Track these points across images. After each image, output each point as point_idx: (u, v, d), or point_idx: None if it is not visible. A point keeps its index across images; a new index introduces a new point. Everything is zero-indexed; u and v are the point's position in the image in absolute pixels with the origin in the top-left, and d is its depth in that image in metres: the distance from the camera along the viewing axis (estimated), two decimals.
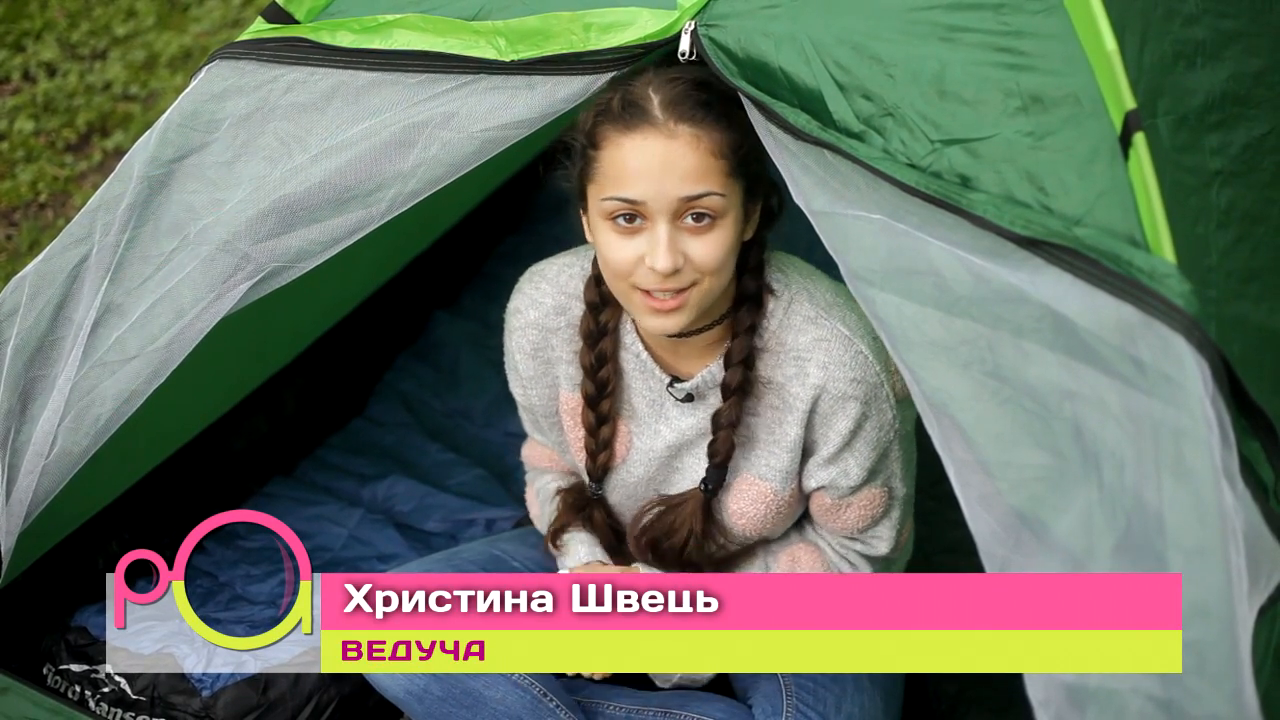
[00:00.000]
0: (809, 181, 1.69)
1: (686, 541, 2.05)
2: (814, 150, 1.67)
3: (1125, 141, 1.56)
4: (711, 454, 2.01)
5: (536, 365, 2.08)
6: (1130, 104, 1.56)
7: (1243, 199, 1.70)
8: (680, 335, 1.94)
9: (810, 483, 2.02)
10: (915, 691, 2.29)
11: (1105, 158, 1.56)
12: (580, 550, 2.14)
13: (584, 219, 1.91)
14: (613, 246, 1.83)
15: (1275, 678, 1.58)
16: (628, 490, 2.11)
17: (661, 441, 2.05)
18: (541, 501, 2.24)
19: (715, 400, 2.00)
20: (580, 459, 2.11)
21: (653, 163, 1.77)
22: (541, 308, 2.05)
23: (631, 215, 1.81)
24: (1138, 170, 1.54)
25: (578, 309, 2.04)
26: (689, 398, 2.00)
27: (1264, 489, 1.55)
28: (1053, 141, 1.58)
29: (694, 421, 2.03)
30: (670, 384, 2.01)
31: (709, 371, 1.98)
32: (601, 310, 2.01)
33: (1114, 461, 1.51)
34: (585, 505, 2.14)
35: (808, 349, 1.93)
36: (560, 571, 2.15)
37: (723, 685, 2.20)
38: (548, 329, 2.06)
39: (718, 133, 1.78)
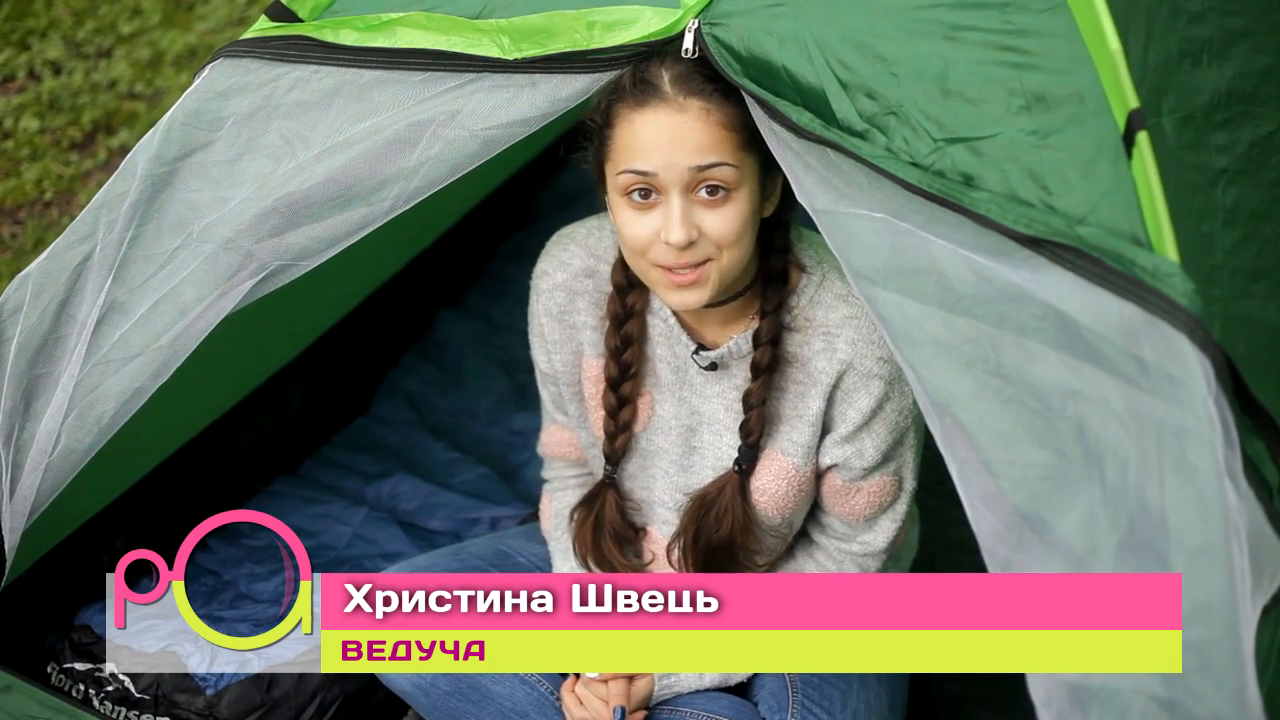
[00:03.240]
0: (811, 180, 1.69)
1: (731, 531, 2.05)
2: (816, 148, 1.67)
3: (1128, 140, 1.55)
4: (745, 434, 2.02)
5: (562, 330, 2.08)
6: (1133, 103, 1.55)
7: (1249, 197, 1.70)
8: (709, 304, 1.95)
9: (825, 459, 2.02)
10: (919, 690, 2.29)
11: (1109, 157, 1.56)
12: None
13: (606, 201, 1.91)
14: (629, 223, 1.84)
15: (1279, 677, 1.57)
16: (644, 463, 2.10)
17: (685, 409, 2.05)
18: (556, 521, 2.24)
19: (739, 371, 2.00)
20: (599, 434, 2.11)
21: (664, 135, 1.79)
22: (569, 269, 2.06)
23: (646, 190, 1.82)
24: (1141, 169, 1.54)
25: (605, 271, 2.05)
26: (713, 366, 2.01)
27: (1268, 488, 1.55)
28: (1056, 140, 1.58)
29: (717, 391, 2.03)
30: (695, 351, 2.01)
31: (734, 343, 1.98)
32: (629, 293, 2.02)
33: (1117, 460, 1.51)
34: (599, 492, 2.13)
35: (838, 325, 1.94)
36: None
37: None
38: (574, 291, 2.06)
39: (729, 106, 1.78)
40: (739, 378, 2.01)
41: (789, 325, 1.98)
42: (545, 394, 2.19)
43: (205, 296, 1.96)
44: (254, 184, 1.92)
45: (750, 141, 1.80)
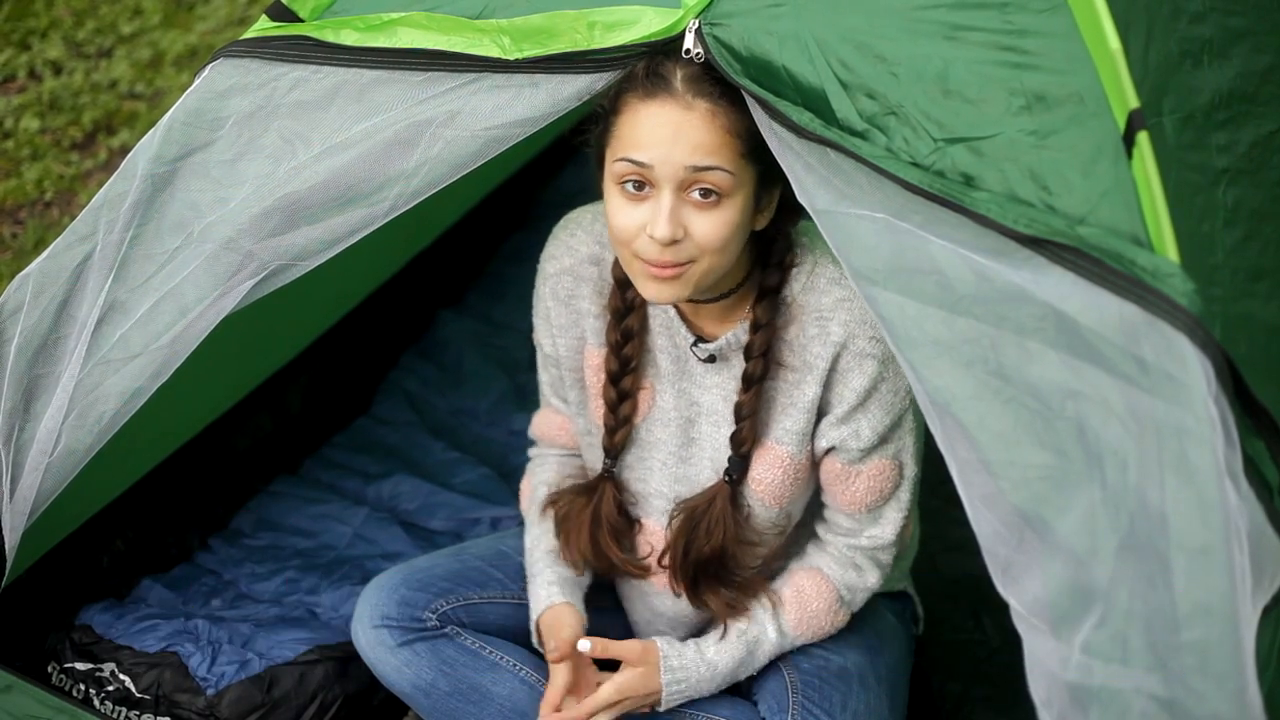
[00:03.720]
0: (812, 180, 1.69)
1: (723, 542, 2.05)
2: (817, 149, 1.66)
3: (1129, 140, 1.55)
4: (736, 444, 2.03)
5: (568, 315, 2.09)
6: (1134, 103, 1.55)
7: (1250, 197, 1.69)
8: (697, 301, 1.96)
9: (821, 443, 2.02)
10: (920, 690, 2.29)
11: (1109, 156, 1.56)
12: (549, 591, 2.12)
13: (602, 185, 1.91)
14: (619, 211, 1.84)
15: (1279, 677, 1.57)
16: (642, 454, 2.10)
17: (684, 400, 2.06)
18: (533, 498, 2.23)
19: (738, 363, 2.01)
20: (598, 424, 2.11)
21: (666, 130, 1.79)
22: (576, 255, 2.07)
23: (640, 182, 1.82)
24: (1141, 169, 1.54)
25: (609, 259, 2.06)
26: (711, 358, 2.02)
27: (1268, 488, 1.55)
28: (1056, 140, 1.58)
29: (716, 382, 2.04)
30: (694, 344, 2.02)
31: (733, 335, 1.99)
32: (629, 286, 2.01)
33: (1117, 460, 1.51)
34: (596, 485, 2.14)
35: (830, 309, 1.95)
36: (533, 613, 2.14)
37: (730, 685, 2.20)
38: (579, 277, 2.07)
39: (735, 113, 1.78)
40: (738, 369, 2.02)
41: (784, 318, 1.98)
42: (545, 376, 2.20)
43: (205, 296, 1.96)
44: (254, 184, 1.92)
45: (752, 152, 1.80)
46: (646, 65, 1.80)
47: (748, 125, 1.78)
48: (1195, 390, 1.46)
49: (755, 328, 1.97)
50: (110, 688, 2.27)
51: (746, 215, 1.85)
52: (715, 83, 1.78)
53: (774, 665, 2.12)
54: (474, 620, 2.16)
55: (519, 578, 2.23)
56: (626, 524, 2.15)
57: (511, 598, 2.21)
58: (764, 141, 1.77)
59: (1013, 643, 1.63)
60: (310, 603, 2.48)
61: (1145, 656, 1.49)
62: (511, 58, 1.81)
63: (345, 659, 2.29)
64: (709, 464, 2.07)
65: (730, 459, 2.04)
